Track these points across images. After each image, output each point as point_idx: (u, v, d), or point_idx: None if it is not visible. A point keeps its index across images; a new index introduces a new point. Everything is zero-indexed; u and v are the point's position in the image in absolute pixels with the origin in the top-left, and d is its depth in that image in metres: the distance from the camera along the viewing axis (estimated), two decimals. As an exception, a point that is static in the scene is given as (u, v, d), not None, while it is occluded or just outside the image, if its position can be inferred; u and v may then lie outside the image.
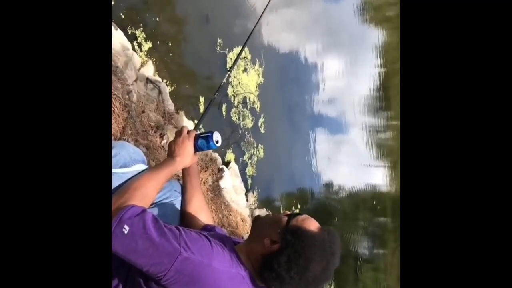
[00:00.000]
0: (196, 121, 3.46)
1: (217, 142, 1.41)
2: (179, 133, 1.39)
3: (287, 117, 5.24)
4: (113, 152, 1.37)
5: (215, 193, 2.97)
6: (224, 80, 1.67)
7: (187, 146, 1.37)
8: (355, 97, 6.82)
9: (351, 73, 6.79)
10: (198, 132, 1.44)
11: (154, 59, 3.24)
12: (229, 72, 1.68)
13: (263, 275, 1.19)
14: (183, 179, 1.54)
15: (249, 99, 4.22)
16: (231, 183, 3.49)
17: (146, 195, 1.20)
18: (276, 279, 1.16)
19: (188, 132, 1.39)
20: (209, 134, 1.40)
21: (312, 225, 1.20)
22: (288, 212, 1.28)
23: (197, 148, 1.40)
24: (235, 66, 3.99)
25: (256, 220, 1.33)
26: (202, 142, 1.40)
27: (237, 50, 3.97)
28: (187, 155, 1.37)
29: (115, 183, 1.32)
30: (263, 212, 3.95)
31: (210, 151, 3.36)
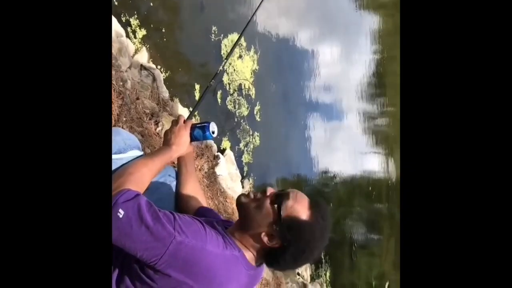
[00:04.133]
0: (191, 108, 3.47)
1: (213, 132, 1.41)
2: (175, 122, 1.39)
3: (282, 105, 5.24)
4: (108, 138, 1.37)
5: (211, 180, 2.98)
6: (221, 68, 1.67)
7: (184, 136, 1.36)
8: (351, 84, 6.82)
9: (346, 60, 6.79)
10: (195, 122, 1.44)
11: (148, 46, 3.22)
12: (225, 60, 1.68)
13: (269, 266, 1.26)
14: (178, 165, 1.54)
15: (244, 86, 4.21)
16: (227, 170, 3.50)
17: (140, 181, 1.20)
18: (283, 269, 1.26)
19: (185, 121, 1.39)
20: (205, 124, 1.40)
21: (303, 208, 1.17)
22: (271, 190, 1.22)
23: (193, 138, 1.40)
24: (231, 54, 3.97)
25: (240, 206, 1.26)
26: (198, 132, 1.40)
27: (232, 36, 3.96)
28: (183, 144, 1.36)
29: (110, 169, 1.32)
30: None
31: (206, 138, 3.36)
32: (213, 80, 1.62)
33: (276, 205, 1.17)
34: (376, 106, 7.52)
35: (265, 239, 1.18)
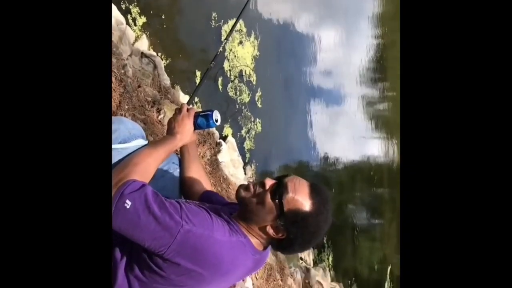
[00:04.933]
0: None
1: (216, 121, 1.41)
2: (179, 111, 1.39)
3: (283, 90, 5.23)
4: (112, 128, 1.37)
5: (213, 167, 2.99)
6: (221, 49, 1.67)
7: (187, 124, 1.37)
8: (352, 69, 6.81)
9: (347, 44, 6.76)
10: (198, 110, 1.44)
11: (148, 33, 3.21)
12: (225, 41, 1.68)
13: (277, 251, 1.27)
14: (181, 152, 1.55)
15: (245, 72, 4.20)
16: (229, 157, 3.52)
17: (146, 171, 1.21)
18: (292, 254, 1.29)
19: (188, 110, 1.39)
20: (209, 112, 1.40)
21: (303, 198, 1.17)
22: (269, 182, 1.21)
23: (196, 126, 1.41)
24: (230, 38, 3.96)
25: (241, 200, 1.24)
26: (201, 120, 1.40)
27: (232, 22, 3.94)
28: (186, 133, 1.37)
29: (115, 158, 1.32)
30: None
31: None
32: (213, 62, 1.62)
33: (277, 200, 1.17)
34: (377, 91, 7.52)
35: (271, 231, 1.19)
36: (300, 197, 1.16)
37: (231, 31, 1.78)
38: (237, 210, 1.30)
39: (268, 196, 1.18)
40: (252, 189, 1.22)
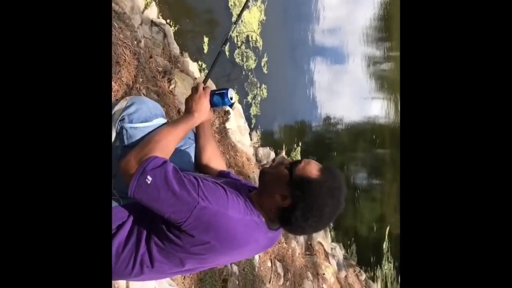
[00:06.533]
0: (200, 63, 3.50)
1: (231, 99, 1.47)
2: (195, 90, 1.45)
3: (289, 54, 5.22)
4: (135, 107, 1.45)
5: (222, 135, 3.06)
6: (231, 33, 1.71)
7: (204, 103, 1.43)
8: (356, 27, 6.74)
9: (353, 1, 6.66)
10: (213, 89, 1.50)
11: (157, 0, 3.21)
12: (235, 25, 1.71)
13: (284, 227, 1.34)
14: (197, 129, 1.62)
15: (252, 38, 4.20)
16: (236, 123, 3.58)
17: (166, 148, 1.29)
18: (297, 229, 1.34)
19: (204, 88, 1.46)
20: (224, 91, 1.46)
21: (313, 169, 1.26)
22: (288, 160, 1.33)
23: (212, 104, 1.47)
24: (237, 3, 3.94)
25: (262, 176, 1.36)
26: (217, 98, 1.47)
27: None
28: (204, 111, 1.44)
29: (138, 136, 1.41)
30: (265, 151, 4.07)
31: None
32: (224, 46, 1.67)
33: (288, 168, 1.28)
34: (381, 51, 7.46)
35: (279, 199, 1.27)
36: (311, 168, 1.26)
37: (240, 14, 1.79)
38: (254, 188, 1.41)
39: (283, 167, 1.29)
40: (273, 164, 1.35)
